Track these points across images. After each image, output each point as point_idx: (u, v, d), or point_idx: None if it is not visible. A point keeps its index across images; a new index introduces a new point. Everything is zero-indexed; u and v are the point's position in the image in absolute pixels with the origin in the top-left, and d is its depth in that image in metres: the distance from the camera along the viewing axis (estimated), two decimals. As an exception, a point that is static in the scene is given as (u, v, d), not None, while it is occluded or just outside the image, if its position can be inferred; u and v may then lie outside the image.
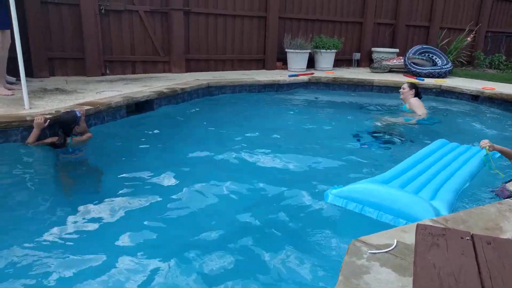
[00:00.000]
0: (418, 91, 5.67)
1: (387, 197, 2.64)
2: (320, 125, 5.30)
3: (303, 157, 3.89)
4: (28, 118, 3.74)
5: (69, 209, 2.69)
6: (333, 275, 2.03)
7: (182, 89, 5.83)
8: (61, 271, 2.06)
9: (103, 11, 6.51)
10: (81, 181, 3.13)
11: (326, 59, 8.68)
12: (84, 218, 2.59)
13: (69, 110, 3.84)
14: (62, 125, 3.64)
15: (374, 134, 4.65)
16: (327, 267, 2.16)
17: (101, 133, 4.12)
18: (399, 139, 4.62)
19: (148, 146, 4.10)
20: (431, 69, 8.29)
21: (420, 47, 8.85)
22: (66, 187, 3.02)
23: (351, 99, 7.11)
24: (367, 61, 9.71)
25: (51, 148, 3.60)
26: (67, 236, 2.39)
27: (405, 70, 8.56)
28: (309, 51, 8.36)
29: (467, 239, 1.41)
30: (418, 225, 1.50)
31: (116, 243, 2.35)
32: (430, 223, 1.85)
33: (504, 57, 10.87)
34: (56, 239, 2.35)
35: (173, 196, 2.95)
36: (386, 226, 2.43)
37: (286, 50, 8.32)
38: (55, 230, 2.44)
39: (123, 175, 3.29)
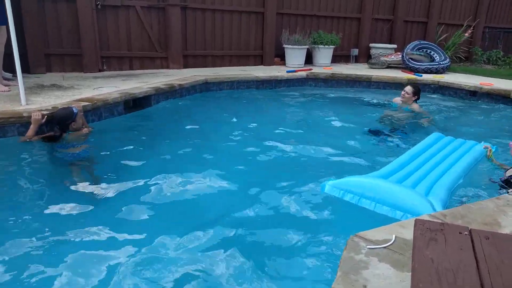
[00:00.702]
0: (419, 96, 5.54)
1: (384, 191, 2.66)
2: (318, 121, 5.30)
3: (301, 152, 3.90)
4: (25, 114, 3.72)
5: (64, 204, 2.69)
6: (331, 271, 2.04)
7: (180, 85, 5.81)
8: (56, 266, 2.06)
9: (99, 6, 6.46)
10: (78, 177, 3.12)
11: (324, 55, 8.66)
12: (79, 213, 2.60)
13: (65, 106, 3.83)
14: (58, 121, 3.62)
15: (372, 130, 4.65)
16: (325, 263, 2.17)
17: (98, 129, 4.11)
18: (401, 133, 4.63)
19: (146, 142, 4.09)
20: (429, 64, 8.28)
21: (418, 42, 8.83)
22: (63, 183, 3.01)
23: (349, 94, 7.10)
24: (365, 57, 9.68)
25: (48, 143, 3.59)
26: (63, 230, 2.38)
27: (403, 66, 8.55)
28: (307, 47, 8.34)
29: (466, 234, 1.40)
30: (416, 220, 1.50)
31: (113, 238, 2.34)
32: (429, 218, 1.85)
33: (502, 53, 10.86)
34: (52, 234, 2.35)
35: (172, 192, 2.95)
36: (384, 222, 2.43)
37: (284, 46, 8.29)
38: (51, 224, 2.44)
39: (121, 171, 3.30)
